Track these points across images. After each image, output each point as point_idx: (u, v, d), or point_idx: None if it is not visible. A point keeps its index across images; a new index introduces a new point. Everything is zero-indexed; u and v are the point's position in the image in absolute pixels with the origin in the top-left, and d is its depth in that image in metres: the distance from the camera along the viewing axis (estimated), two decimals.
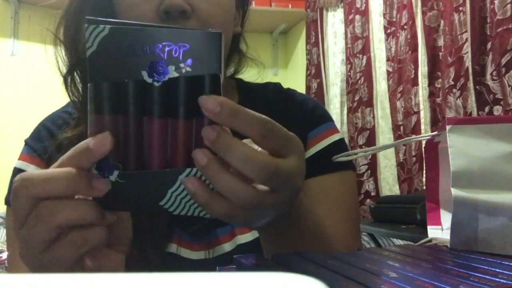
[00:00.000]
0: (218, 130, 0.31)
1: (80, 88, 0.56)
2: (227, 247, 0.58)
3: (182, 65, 0.31)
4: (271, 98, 0.68)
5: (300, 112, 0.66)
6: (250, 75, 0.73)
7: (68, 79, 0.56)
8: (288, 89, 0.72)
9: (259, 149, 0.34)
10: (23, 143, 0.62)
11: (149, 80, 0.31)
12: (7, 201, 0.58)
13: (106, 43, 0.30)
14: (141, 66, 0.31)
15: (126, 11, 0.53)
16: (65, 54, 0.55)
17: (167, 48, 0.30)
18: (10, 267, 0.58)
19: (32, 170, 0.58)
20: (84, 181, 0.32)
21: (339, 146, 0.65)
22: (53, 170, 0.32)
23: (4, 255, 1.47)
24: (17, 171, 0.59)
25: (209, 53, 0.31)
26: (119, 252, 0.37)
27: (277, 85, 0.72)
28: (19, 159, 0.60)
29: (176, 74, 0.31)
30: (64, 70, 0.55)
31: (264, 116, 0.33)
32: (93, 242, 0.33)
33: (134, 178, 0.33)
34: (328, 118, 0.68)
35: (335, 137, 0.66)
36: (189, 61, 0.31)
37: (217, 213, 0.33)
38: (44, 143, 0.59)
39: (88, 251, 0.33)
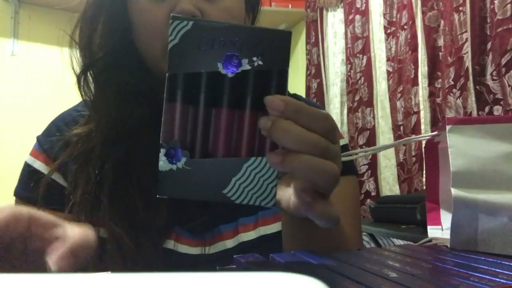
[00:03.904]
0: (272, 118, 0.33)
1: (92, 88, 0.59)
2: (229, 243, 0.58)
3: (254, 58, 0.33)
4: None
5: None
6: None
7: (81, 78, 0.58)
8: (295, 94, 0.73)
9: None
10: (23, 143, 0.64)
11: (224, 71, 0.33)
12: (16, 193, 0.61)
13: (188, 37, 0.33)
14: (217, 58, 0.33)
15: (139, 16, 0.55)
16: (80, 55, 0.58)
17: (242, 43, 0.33)
18: None
19: (38, 165, 0.60)
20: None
21: (343, 151, 0.65)
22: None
23: None
24: (26, 165, 0.62)
25: (279, 49, 0.34)
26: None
27: None
28: (30, 154, 0.63)
29: (248, 67, 0.33)
30: (78, 70, 0.58)
31: (325, 112, 0.36)
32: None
33: (201, 166, 0.34)
34: None
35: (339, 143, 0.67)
36: (261, 56, 0.33)
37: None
38: (52, 140, 0.61)
39: None
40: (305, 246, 0.46)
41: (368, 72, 1.98)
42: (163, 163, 0.34)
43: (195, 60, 0.33)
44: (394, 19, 1.83)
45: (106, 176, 0.55)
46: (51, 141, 0.61)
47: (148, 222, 0.54)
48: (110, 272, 0.36)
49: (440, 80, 1.57)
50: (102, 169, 0.55)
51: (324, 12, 2.32)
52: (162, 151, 0.34)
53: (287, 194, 0.40)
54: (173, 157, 0.34)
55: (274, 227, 0.58)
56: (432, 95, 1.60)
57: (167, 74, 0.33)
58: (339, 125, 2.10)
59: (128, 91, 0.57)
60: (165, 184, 0.34)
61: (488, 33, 1.38)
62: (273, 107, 0.33)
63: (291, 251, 0.44)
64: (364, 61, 2.01)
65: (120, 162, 0.55)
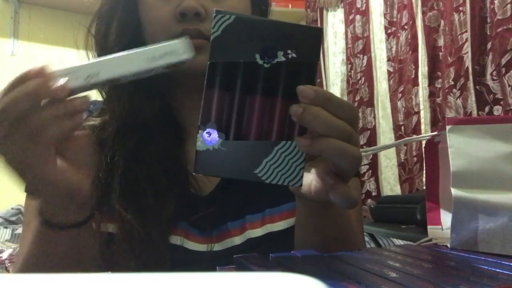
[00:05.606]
0: (304, 105, 0.36)
1: None
2: (237, 240, 0.59)
3: (289, 51, 0.36)
4: None
5: None
6: None
7: None
8: None
9: None
10: None
11: (260, 62, 0.36)
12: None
13: (229, 29, 0.36)
14: (255, 50, 0.36)
15: (147, 12, 0.58)
16: (95, 48, 0.61)
17: (278, 37, 0.36)
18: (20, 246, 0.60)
19: None
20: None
21: None
22: None
23: (4, 255, 1.47)
24: None
25: (311, 44, 0.37)
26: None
27: None
28: None
29: (283, 59, 0.36)
30: None
31: (351, 103, 0.37)
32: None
33: (235, 147, 0.37)
34: None
35: None
36: (295, 50, 0.36)
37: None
38: None
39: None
40: (316, 235, 0.48)
41: (368, 72, 1.98)
42: (200, 143, 0.37)
43: (234, 50, 0.36)
44: (395, 19, 1.83)
45: (117, 164, 0.56)
46: None
47: (156, 209, 0.56)
48: (110, 272, 0.36)
49: (440, 80, 1.57)
50: (114, 157, 0.57)
51: (324, 12, 2.32)
52: (200, 132, 0.37)
53: (308, 180, 0.42)
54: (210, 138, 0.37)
55: (280, 225, 0.59)
56: (432, 95, 1.60)
57: (208, 63, 0.36)
58: None
59: (140, 85, 0.58)
60: (202, 163, 0.37)
61: (488, 33, 1.38)
62: (304, 95, 0.36)
63: (298, 244, 0.45)
64: (365, 61, 2.01)
65: (131, 151, 0.57)
